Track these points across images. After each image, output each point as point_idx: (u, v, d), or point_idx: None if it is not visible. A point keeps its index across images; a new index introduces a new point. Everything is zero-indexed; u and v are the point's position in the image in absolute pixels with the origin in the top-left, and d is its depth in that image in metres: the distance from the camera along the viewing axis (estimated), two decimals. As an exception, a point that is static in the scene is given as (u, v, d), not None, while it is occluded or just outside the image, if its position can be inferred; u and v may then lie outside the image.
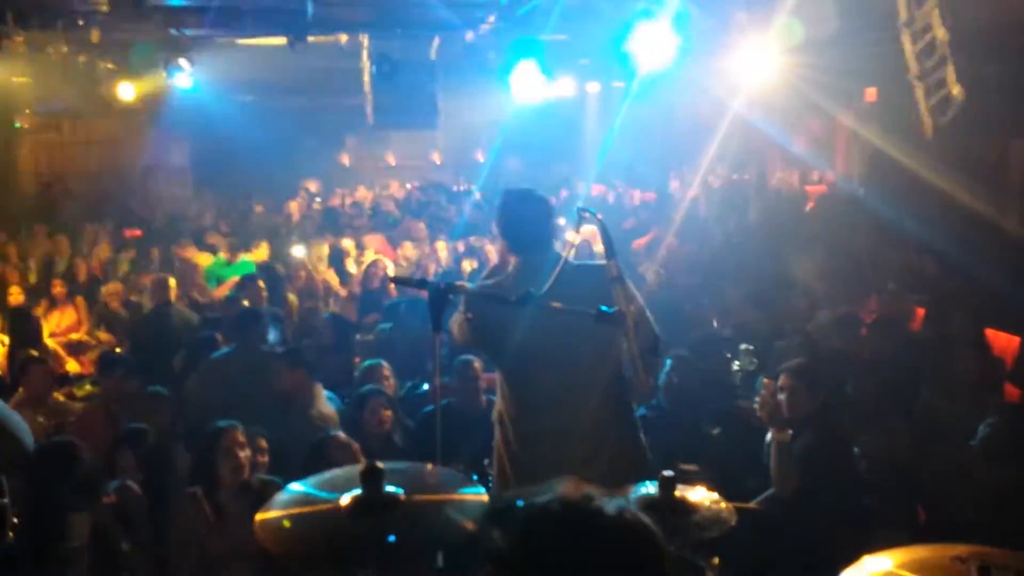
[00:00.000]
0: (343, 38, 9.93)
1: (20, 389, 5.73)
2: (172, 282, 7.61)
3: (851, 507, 4.08)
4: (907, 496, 4.37)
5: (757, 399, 4.02)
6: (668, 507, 2.62)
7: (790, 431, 3.97)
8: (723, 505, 2.74)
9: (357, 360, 6.47)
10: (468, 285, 3.50)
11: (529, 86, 7.56)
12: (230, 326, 6.27)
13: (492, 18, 7.98)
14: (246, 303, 7.13)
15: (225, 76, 9.96)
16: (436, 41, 9.66)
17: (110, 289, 8.69)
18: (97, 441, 4.55)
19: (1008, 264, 7.05)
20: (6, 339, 7.32)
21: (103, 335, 8.15)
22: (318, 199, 13.42)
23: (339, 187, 14.27)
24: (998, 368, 5.64)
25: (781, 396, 4.12)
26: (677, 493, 2.70)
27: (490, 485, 3.66)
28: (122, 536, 3.83)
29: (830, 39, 7.60)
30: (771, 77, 8.38)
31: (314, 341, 6.78)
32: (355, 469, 2.27)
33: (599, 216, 3.26)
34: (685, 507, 2.68)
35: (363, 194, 14.01)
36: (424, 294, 3.01)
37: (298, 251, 9.90)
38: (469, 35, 8.89)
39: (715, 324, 7.10)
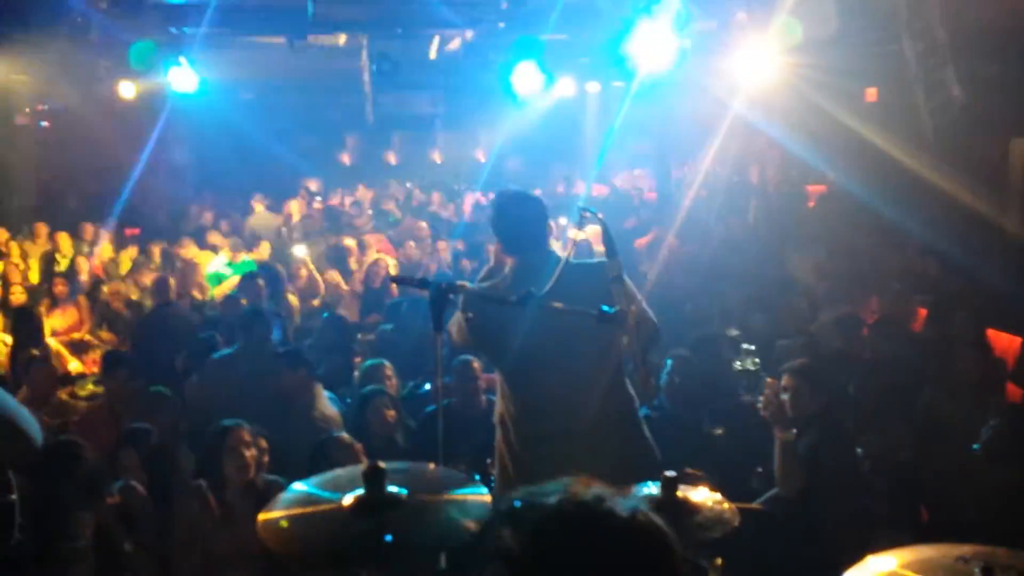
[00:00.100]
0: (342, 38, 9.93)
1: (24, 388, 5.74)
2: (172, 282, 7.61)
3: (854, 507, 4.08)
4: (910, 496, 4.37)
5: (761, 398, 4.03)
6: (670, 507, 2.62)
7: (794, 431, 3.98)
8: (726, 505, 2.74)
9: (358, 360, 6.47)
10: (469, 285, 3.50)
11: (529, 86, 7.55)
12: (233, 326, 6.27)
13: (492, 18, 7.99)
14: (243, 302, 7.13)
15: (226, 74, 9.94)
16: (436, 40, 9.66)
17: (112, 288, 8.70)
18: (100, 441, 4.55)
19: (1009, 264, 7.05)
20: (8, 339, 7.32)
21: (105, 334, 8.15)
22: (318, 198, 13.41)
23: (340, 187, 14.26)
24: (999, 368, 5.64)
25: (785, 396, 4.13)
26: (679, 493, 2.70)
27: (492, 485, 3.67)
28: (125, 536, 3.83)
29: (830, 39, 7.61)
30: (771, 77, 8.38)
31: (315, 341, 6.79)
32: (357, 469, 2.27)
33: (600, 215, 3.26)
34: (688, 507, 2.68)
35: (363, 193, 14.01)
36: (425, 294, 3.01)
37: (299, 251, 9.90)
38: (469, 34, 8.90)
39: (717, 325, 7.09)
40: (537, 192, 4.72)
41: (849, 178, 9.33)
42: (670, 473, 2.71)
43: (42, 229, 11.07)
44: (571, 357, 3.31)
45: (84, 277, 9.25)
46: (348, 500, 2.19)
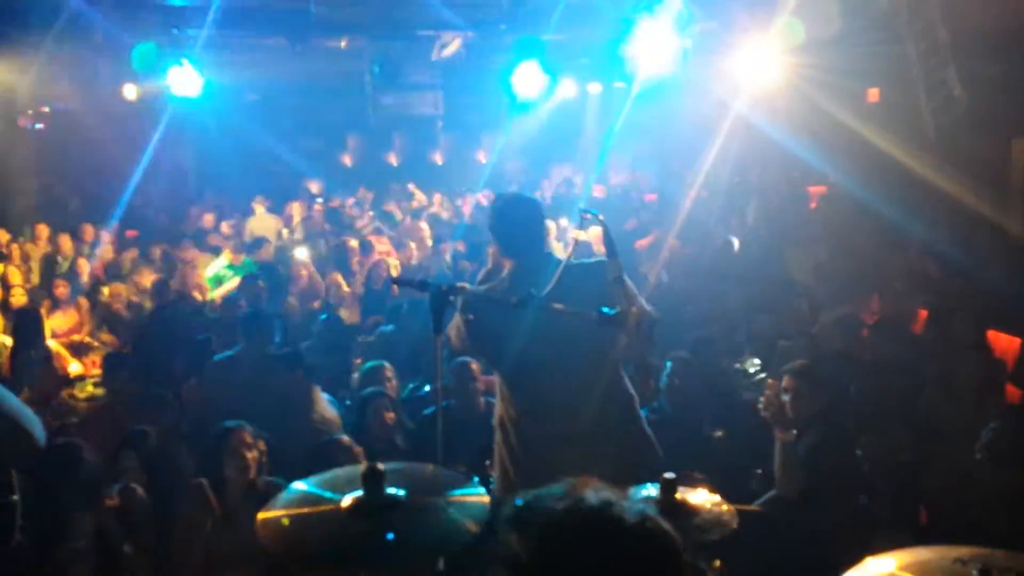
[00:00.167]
0: (343, 40, 9.92)
1: (26, 389, 5.74)
2: (173, 283, 7.61)
3: (854, 508, 4.08)
4: (909, 497, 4.36)
5: (762, 399, 4.03)
6: (669, 510, 2.62)
7: (794, 432, 3.98)
8: (724, 507, 2.74)
9: (359, 361, 6.46)
10: (469, 287, 3.50)
11: (531, 87, 7.56)
12: (232, 327, 6.27)
13: (493, 19, 7.99)
14: (242, 303, 7.13)
15: (227, 76, 9.95)
16: (437, 42, 9.66)
17: (112, 290, 8.70)
18: (101, 442, 4.55)
19: (1010, 266, 7.04)
20: (8, 340, 7.32)
21: (105, 336, 8.15)
22: (319, 200, 13.41)
23: (341, 188, 14.27)
24: (999, 369, 5.63)
25: (785, 397, 4.13)
26: (678, 495, 2.70)
27: (491, 487, 3.67)
28: (124, 538, 3.83)
29: (832, 39, 7.59)
30: (773, 78, 8.38)
31: (313, 343, 6.78)
32: (357, 468, 2.27)
33: (600, 217, 3.26)
34: (686, 509, 2.68)
35: (364, 194, 14.00)
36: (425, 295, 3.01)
37: (300, 253, 9.90)
38: (469, 35, 8.90)
39: (718, 326, 7.09)
40: (539, 195, 4.74)
41: (850, 179, 9.31)
42: (669, 475, 2.71)
43: (43, 231, 11.07)
44: (571, 358, 3.31)
45: (85, 279, 9.26)
46: (347, 501, 2.19)
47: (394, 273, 9.06)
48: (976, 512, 4.00)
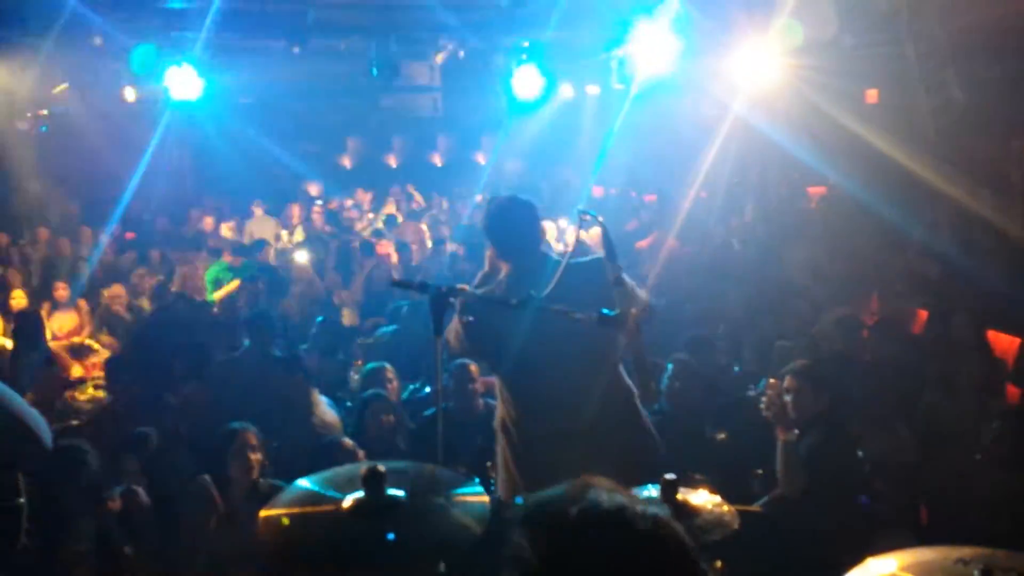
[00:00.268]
0: (343, 42, 9.93)
1: (28, 392, 5.73)
2: (172, 285, 7.61)
3: (855, 509, 4.08)
4: (910, 498, 4.36)
5: (763, 400, 4.03)
6: (670, 510, 2.62)
7: (796, 431, 3.98)
8: (725, 508, 2.74)
9: (359, 363, 6.46)
10: (469, 288, 3.50)
11: (530, 89, 7.56)
12: (233, 329, 6.26)
13: (492, 21, 8.00)
14: (241, 305, 7.13)
15: (226, 79, 9.95)
16: (437, 44, 9.67)
17: (112, 292, 8.69)
18: (102, 445, 4.55)
19: (1010, 266, 7.04)
20: (9, 343, 7.32)
21: (105, 338, 8.14)
22: (319, 202, 13.41)
23: (341, 190, 14.27)
24: (1000, 370, 5.63)
25: (787, 397, 4.13)
26: (679, 496, 2.70)
27: (492, 488, 3.67)
28: (126, 540, 3.83)
29: (831, 40, 7.60)
30: (772, 79, 8.37)
31: (310, 345, 6.77)
32: (359, 467, 2.28)
33: (600, 218, 3.26)
34: (687, 510, 2.68)
35: (362, 196, 14.01)
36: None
37: (299, 255, 9.90)
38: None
39: (719, 327, 7.08)
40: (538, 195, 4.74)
41: (850, 180, 9.31)
42: (670, 476, 2.71)
43: (43, 233, 11.07)
44: (570, 358, 3.31)
45: (84, 281, 9.25)
46: (348, 502, 2.19)
47: (394, 275, 9.06)
48: (977, 512, 4.00)
